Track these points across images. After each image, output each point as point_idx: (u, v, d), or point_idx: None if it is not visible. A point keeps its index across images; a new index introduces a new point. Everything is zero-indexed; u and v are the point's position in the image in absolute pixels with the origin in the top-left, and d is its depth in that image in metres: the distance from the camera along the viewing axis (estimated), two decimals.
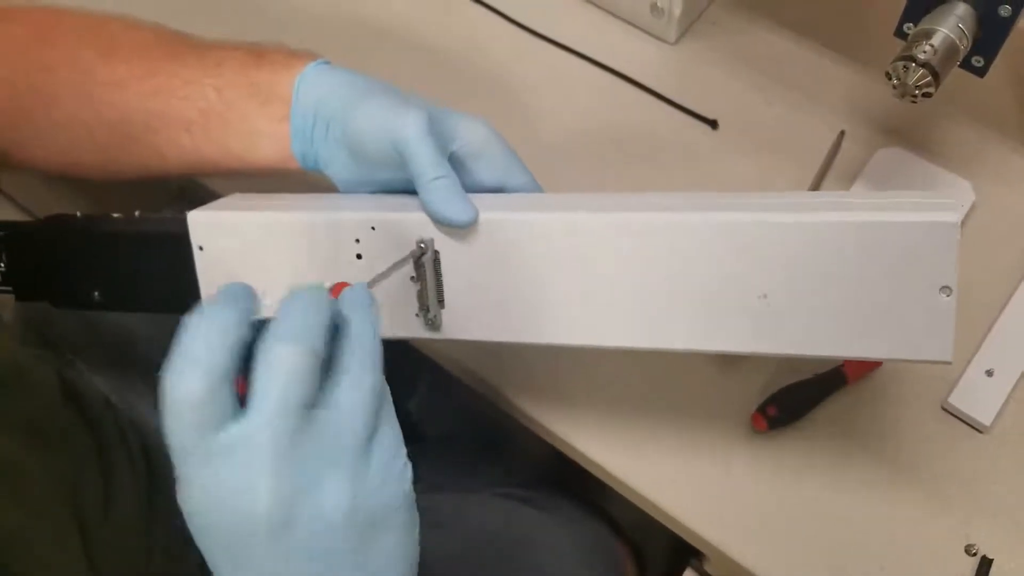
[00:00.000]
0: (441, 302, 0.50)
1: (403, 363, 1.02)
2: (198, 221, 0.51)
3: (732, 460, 0.60)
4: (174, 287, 0.53)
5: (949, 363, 0.44)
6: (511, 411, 0.64)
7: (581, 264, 0.47)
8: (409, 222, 0.48)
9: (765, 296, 0.44)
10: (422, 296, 0.49)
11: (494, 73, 0.77)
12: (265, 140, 0.53)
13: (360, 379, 0.37)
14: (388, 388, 0.40)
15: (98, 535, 0.58)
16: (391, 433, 0.39)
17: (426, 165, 0.46)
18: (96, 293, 0.56)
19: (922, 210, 0.42)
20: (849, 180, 0.69)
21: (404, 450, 0.40)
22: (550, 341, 0.49)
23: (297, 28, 0.78)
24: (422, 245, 0.48)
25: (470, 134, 0.50)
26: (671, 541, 0.63)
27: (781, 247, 0.43)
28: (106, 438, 0.63)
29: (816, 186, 0.69)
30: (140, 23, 0.57)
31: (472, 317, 0.50)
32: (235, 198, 0.55)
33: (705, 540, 0.58)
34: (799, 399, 0.61)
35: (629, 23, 0.79)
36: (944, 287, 0.42)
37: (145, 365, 0.77)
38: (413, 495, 0.40)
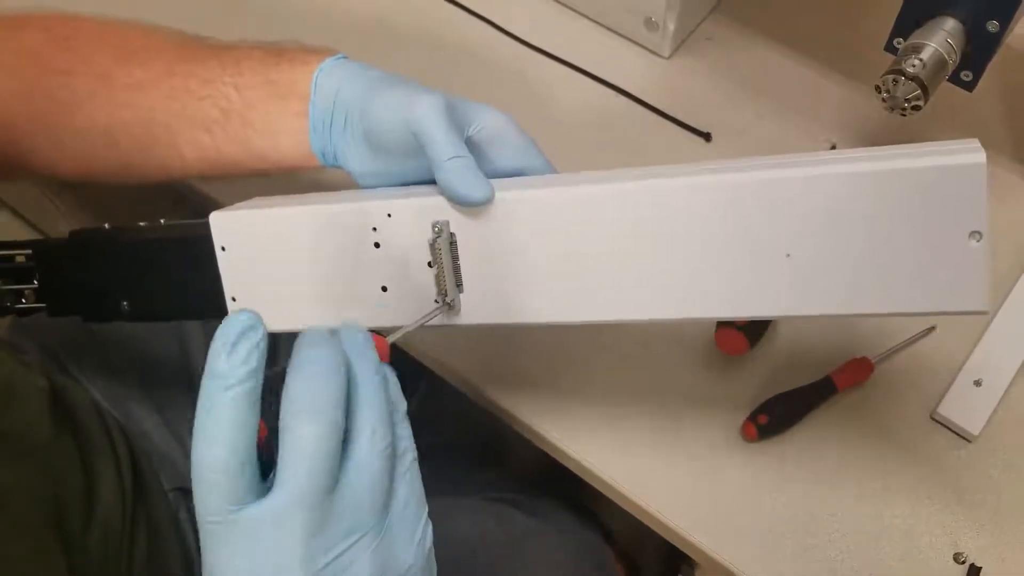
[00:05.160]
0: (459, 285, 0.49)
1: (398, 374, 1.03)
2: (220, 221, 0.52)
3: (723, 468, 0.61)
4: (200, 292, 0.53)
5: (985, 312, 0.41)
6: (504, 417, 0.65)
7: (600, 238, 0.46)
8: (424, 206, 0.48)
9: (789, 255, 0.43)
10: (439, 280, 0.49)
11: (490, 86, 0.78)
12: (285, 137, 0.54)
13: (373, 442, 0.37)
14: (411, 443, 0.40)
15: (80, 545, 0.58)
16: (409, 492, 0.39)
17: (442, 145, 0.47)
18: (125, 304, 0.56)
19: (947, 154, 0.40)
20: None
21: (425, 508, 0.40)
22: (576, 319, 0.48)
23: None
24: (437, 228, 0.48)
25: (486, 120, 0.50)
26: (663, 548, 0.64)
27: (803, 203, 0.42)
28: (92, 445, 0.64)
29: None
30: (157, 27, 0.58)
31: (491, 300, 0.49)
32: (255, 201, 0.55)
33: (695, 547, 0.59)
34: (789, 408, 0.61)
35: (625, 37, 0.80)
36: (974, 232, 0.40)
37: (139, 366, 0.78)
38: (432, 553, 0.41)
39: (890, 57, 0.60)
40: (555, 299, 0.48)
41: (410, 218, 0.48)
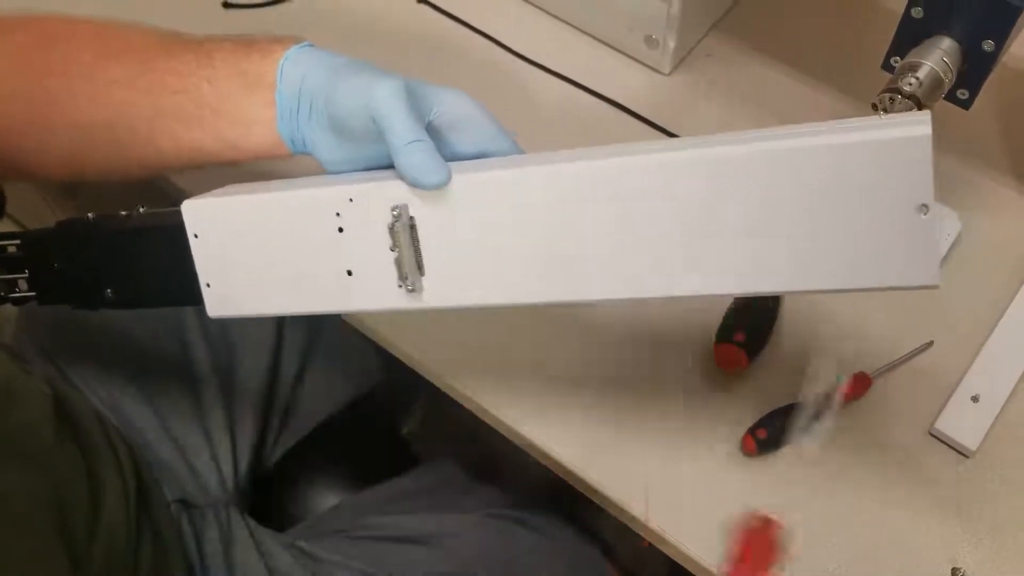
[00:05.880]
0: (421, 269, 0.49)
1: (401, 387, 1.03)
2: (191, 209, 0.53)
3: (723, 482, 0.61)
4: (178, 278, 0.54)
5: (936, 287, 0.40)
6: (505, 432, 0.65)
7: (558, 218, 0.46)
8: (383, 190, 0.48)
9: (741, 233, 0.42)
10: (400, 263, 0.49)
11: (491, 101, 0.78)
12: (256, 127, 0.54)
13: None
14: None
15: (85, 551, 0.58)
16: None
17: (400, 130, 0.47)
18: (108, 291, 0.57)
19: (893, 126, 0.39)
20: None
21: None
22: (537, 300, 0.48)
23: None
24: (396, 212, 0.48)
25: (449, 104, 0.51)
26: (663, 565, 0.64)
27: (752, 180, 0.41)
28: (95, 453, 0.64)
29: None
30: (135, 25, 0.58)
31: (455, 282, 0.49)
32: (228, 188, 0.55)
33: (696, 562, 0.59)
34: (788, 422, 0.62)
35: (625, 54, 0.81)
36: (922, 205, 0.39)
37: (141, 375, 0.78)
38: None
39: (887, 75, 0.60)
40: (517, 280, 0.48)
41: (371, 202, 0.49)
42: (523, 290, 0.48)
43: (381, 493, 0.81)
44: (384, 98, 0.47)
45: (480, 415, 0.66)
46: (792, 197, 0.41)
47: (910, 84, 0.57)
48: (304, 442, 0.86)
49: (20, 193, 1.14)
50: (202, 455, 0.78)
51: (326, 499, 0.85)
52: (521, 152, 0.52)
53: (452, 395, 0.67)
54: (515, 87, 0.80)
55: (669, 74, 0.80)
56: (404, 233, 0.48)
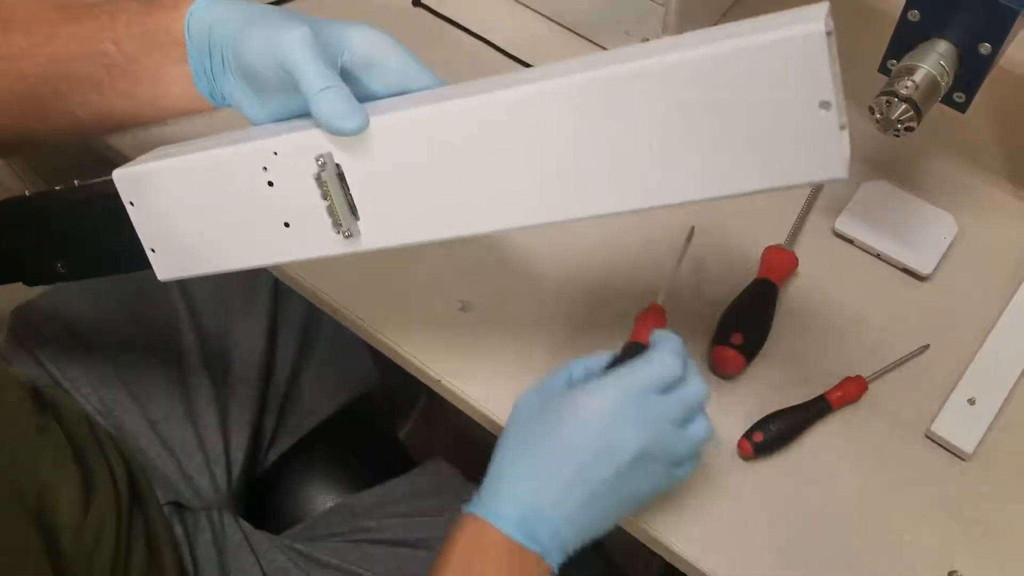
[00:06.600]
0: (355, 213, 0.49)
1: (397, 389, 1.02)
2: (123, 178, 0.53)
3: (718, 485, 0.61)
4: (123, 246, 0.55)
5: (844, 178, 0.41)
6: (496, 431, 0.65)
7: (477, 149, 0.46)
8: (306, 139, 0.48)
9: (651, 147, 0.43)
10: (332, 211, 0.49)
11: None
12: (172, 85, 0.53)
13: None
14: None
15: (71, 543, 0.57)
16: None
17: (311, 78, 0.46)
18: (59, 265, 0.58)
19: (787, 25, 0.39)
20: (835, 213, 0.70)
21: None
22: (472, 231, 0.48)
23: None
24: (320, 161, 0.48)
25: (360, 43, 0.49)
26: (660, 568, 0.64)
27: (650, 95, 0.42)
28: (84, 454, 0.64)
29: (803, 218, 0.70)
30: None
31: (390, 223, 0.49)
32: (159, 150, 0.55)
33: (692, 565, 0.59)
34: (784, 426, 0.62)
35: None
36: (823, 102, 0.39)
37: (132, 380, 0.78)
38: None
39: (883, 77, 0.61)
40: (449, 213, 0.48)
41: (295, 154, 0.49)
42: (457, 224, 0.48)
43: (377, 496, 0.81)
44: (291, 46, 0.46)
45: (468, 413, 0.66)
46: (695, 107, 0.41)
47: (906, 87, 0.57)
48: (300, 444, 0.86)
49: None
50: (194, 458, 0.78)
51: (322, 501, 0.85)
52: (443, 84, 0.51)
53: (443, 395, 0.67)
54: None
55: None
56: (332, 181, 0.48)
